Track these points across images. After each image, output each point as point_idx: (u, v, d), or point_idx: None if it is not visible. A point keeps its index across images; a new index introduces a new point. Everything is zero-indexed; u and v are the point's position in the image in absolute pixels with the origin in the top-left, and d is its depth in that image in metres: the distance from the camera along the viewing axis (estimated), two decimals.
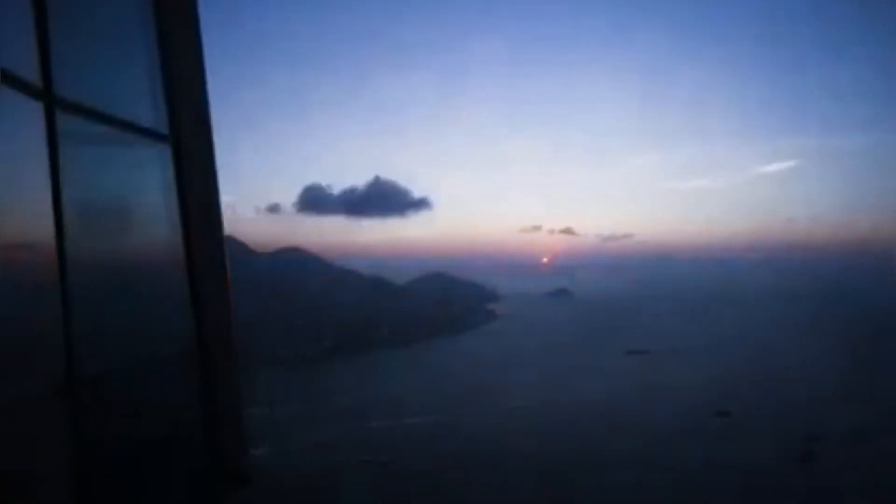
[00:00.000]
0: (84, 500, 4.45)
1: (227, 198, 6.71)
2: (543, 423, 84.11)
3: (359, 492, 57.24)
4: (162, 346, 6.08)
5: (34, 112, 4.34)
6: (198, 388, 6.37)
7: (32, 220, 4.33)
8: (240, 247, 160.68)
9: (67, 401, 4.42)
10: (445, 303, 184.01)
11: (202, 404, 6.40)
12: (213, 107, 6.56)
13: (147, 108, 6.07)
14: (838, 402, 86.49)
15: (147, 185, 6.22)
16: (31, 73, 4.34)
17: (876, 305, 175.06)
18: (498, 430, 79.76)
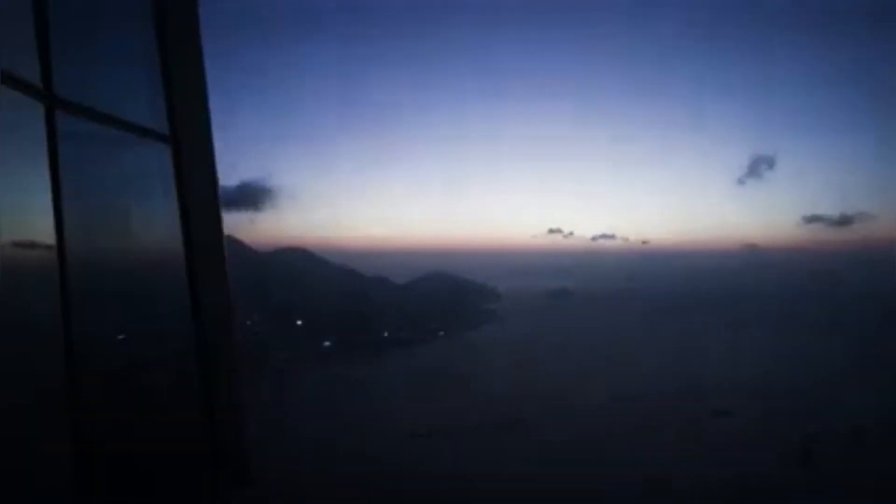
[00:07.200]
0: (84, 501, 4.45)
1: None
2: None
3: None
4: (162, 346, 6.08)
5: (34, 112, 4.34)
6: (198, 388, 6.38)
7: (32, 220, 4.33)
8: (240, 246, 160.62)
9: (67, 401, 4.43)
10: (447, 302, 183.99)
11: (202, 404, 6.40)
12: (212, 106, 6.58)
13: (147, 108, 6.08)
14: None
15: (147, 185, 6.22)
16: (31, 73, 4.34)
17: None
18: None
